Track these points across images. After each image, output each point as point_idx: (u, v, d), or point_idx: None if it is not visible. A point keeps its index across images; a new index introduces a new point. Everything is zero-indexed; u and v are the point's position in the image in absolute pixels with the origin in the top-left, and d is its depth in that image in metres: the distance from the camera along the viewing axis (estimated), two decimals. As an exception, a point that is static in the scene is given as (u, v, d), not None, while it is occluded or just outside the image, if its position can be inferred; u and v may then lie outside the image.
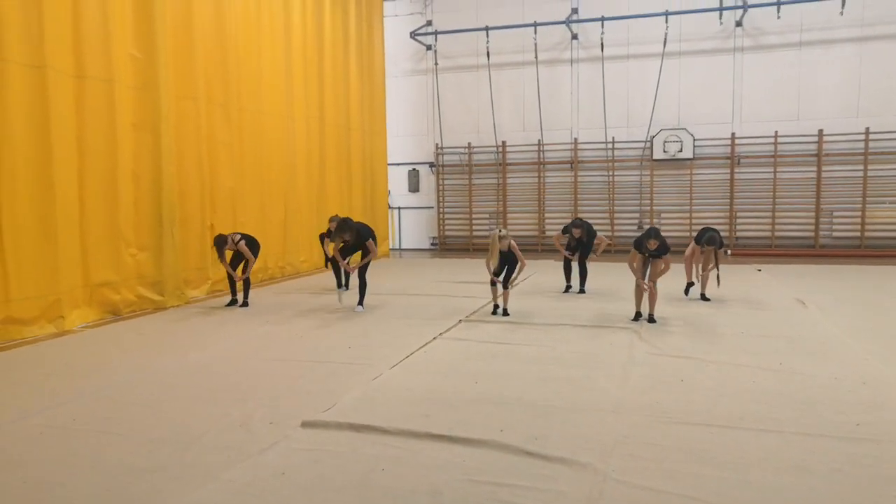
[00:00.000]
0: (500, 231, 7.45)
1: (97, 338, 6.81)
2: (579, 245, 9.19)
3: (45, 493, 3.22)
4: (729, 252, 8.06)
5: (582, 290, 9.17)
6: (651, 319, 7.06)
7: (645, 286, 7.13)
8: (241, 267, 8.41)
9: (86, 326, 7.29)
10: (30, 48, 6.74)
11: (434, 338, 6.48)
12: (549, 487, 3.19)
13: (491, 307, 7.84)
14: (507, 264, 7.61)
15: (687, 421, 4.06)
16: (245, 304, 8.44)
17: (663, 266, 7.19)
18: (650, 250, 7.08)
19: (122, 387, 4.97)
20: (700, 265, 8.63)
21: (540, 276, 10.92)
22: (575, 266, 9.30)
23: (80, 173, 7.46)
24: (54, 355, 6.03)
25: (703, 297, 8.44)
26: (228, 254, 8.31)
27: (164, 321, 7.63)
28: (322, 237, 9.94)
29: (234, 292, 8.57)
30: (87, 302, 7.55)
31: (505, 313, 7.55)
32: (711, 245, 8.09)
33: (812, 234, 14.60)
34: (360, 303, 8.08)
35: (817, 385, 4.77)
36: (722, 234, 8.61)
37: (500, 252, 7.44)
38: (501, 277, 7.63)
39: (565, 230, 9.28)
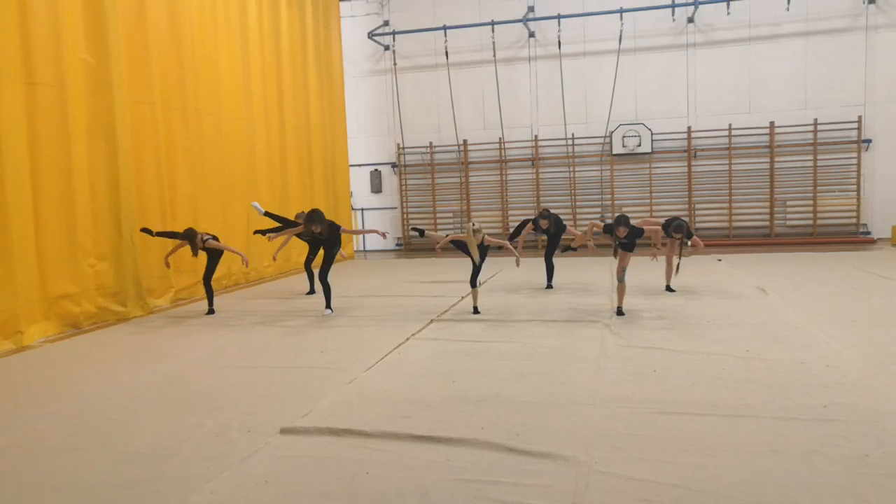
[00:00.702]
0: (473, 225, 7.50)
1: (59, 352, 6.59)
2: (547, 237, 9.28)
3: (19, 516, 3.11)
4: (689, 243, 8.18)
5: (549, 286, 9.25)
6: (619, 312, 7.17)
7: (588, 241, 8.22)
8: (206, 268, 8.35)
9: (45, 341, 7.05)
10: (-24, 54, 6.50)
11: (407, 339, 6.47)
12: (535, 482, 3.22)
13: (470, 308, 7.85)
14: (480, 258, 7.64)
15: (663, 410, 4.14)
16: (211, 311, 8.29)
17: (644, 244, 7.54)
18: (620, 239, 7.18)
19: (91, 401, 4.83)
20: (666, 257, 8.77)
21: (507, 273, 10.98)
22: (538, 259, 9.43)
23: (33, 183, 7.20)
24: (15, 372, 5.82)
25: (669, 289, 8.61)
26: (186, 251, 8.25)
27: (127, 332, 7.43)
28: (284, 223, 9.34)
29: (210, 301, 8.45)
30: (45, 316, 7.31)
31: (475, 311, 7.58)
32: (679, 233, 8.16)
33: (767, 223, 15.04)
34: (328, 306, 8.01)
35: (784, 370, 4.91)
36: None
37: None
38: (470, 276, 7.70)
39: (534, 222, 9.27)
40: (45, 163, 7.36)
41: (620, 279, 7.27)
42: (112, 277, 8.15)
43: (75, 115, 7.70)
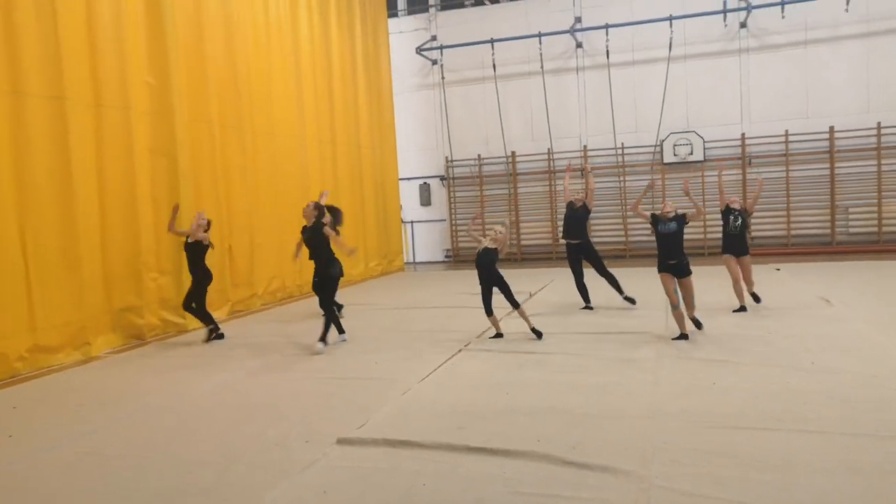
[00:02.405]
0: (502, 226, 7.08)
1: (124, 363, 6.83)
2: (586, 252, 8.48)
3: (90, 521, 3.23)
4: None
5: (628, 298, 8.41)
6: (697, 324, 6.67)
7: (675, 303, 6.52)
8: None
9: (111, 352, 7.32)
10: (49, 80, 6.83)
11: (459, 350, 6.47)
12: (594, 496, 3.17)
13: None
14: (492, 283, 6.96)
15: (725, 424, 4.02)
16: (214, 335, 7.59)
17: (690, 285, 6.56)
18: (668, 218, 6.63)
19: (154, 410, 4.98)
20: (731, 272, 7.83)
21: (557, 285, 10.88)
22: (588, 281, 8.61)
23: (100, 201, 7.52)
24: (83, 382, 6.05)
25: (742, 309, 7.69)
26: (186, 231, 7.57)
27: (187, 344, 7.64)
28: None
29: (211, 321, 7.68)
30: (111, 328, 7.59)
31: (537, 334, 6.80)
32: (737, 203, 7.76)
33: (828, 231, 14.50)
34: (322, 338, 6.77)
35: (854, 383, 4.71)
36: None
37: (481, 264, 6.96)
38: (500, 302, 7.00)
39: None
40: (111, 181, 7.67)
41: (691, 311, 6.63)
42: (173, 291, 8.40)
43: (139, 135, 8.02)
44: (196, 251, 7.52)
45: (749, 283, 7.89)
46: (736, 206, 7.87)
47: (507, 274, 7.80)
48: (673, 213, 6.66)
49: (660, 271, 6.66)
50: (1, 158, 6.36)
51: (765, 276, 10.81)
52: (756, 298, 7.93)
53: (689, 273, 6.60)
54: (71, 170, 7.05)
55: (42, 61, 6.78)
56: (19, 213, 6.54)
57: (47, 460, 4.05)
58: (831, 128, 14.24)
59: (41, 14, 6.78)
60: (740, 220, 7.78)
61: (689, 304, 6.63)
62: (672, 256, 6.59)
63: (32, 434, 4.57)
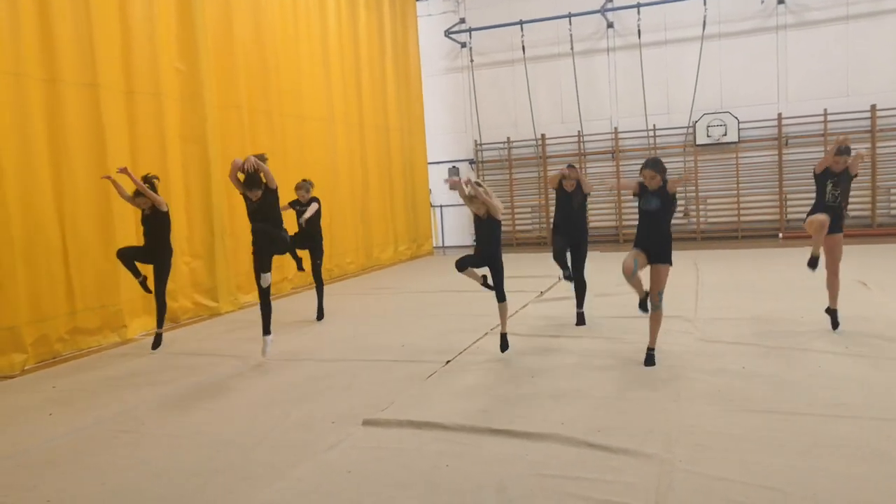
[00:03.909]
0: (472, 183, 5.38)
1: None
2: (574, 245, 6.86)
3: (124, 497, 3.33)
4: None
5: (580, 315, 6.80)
6: (649, 357, 5.11)
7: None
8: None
9: (146, 334, 7.50)
10: (82, 67, 6.97)
11: (485, 333, 6.47)
12: (616, 479, 3.16)
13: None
14: (488, 259, 5.45)
15: (752, 409, 3.97)
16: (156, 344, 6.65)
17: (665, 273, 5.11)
18: (649, 192, 5.05)
19: (186, 392, 5.11)
20: (826, 258, 6.05)
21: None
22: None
23: (134, 186, 7.66)
24: (120, 363, 6.23)
25: (830, 312, 5.93)
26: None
27: (219, 326, 7.80)
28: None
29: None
30: (146, 311, 7.76)
31: (503, 344, 5.54)
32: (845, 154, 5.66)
33: (869, 212, 14.09)
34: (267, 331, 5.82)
35: (888, 368, 4.60)
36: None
37: (478, 218, 5.53)
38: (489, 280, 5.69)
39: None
40: (144, 167, 7.78)
41: (657, 305, 5.12)
42: (205, 275, 8.57)
43: (170, 121, 8.14)
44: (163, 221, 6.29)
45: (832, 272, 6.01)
46: (839, 167, 5.68)
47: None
48: (658, 184, 4.97)
49: (635, 246, 5.19)
50: (38, 145, 6.52)
51: (801, 259, 10.55)
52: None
53: (666, 261, 5.09)
54: (106, 156, 7.19)
55: (75, 49, 6.91)
56: (57, 199, 6.72)
57: (84, 437, 4.19)
58: (873, 106, 13.79)
59: (75, 2, 6.90)
60: (839, 191, 5.72)
61: (653, 289, 5.15)
62: (651, 238, 5.13)
63: (71, 412, 4.73)
